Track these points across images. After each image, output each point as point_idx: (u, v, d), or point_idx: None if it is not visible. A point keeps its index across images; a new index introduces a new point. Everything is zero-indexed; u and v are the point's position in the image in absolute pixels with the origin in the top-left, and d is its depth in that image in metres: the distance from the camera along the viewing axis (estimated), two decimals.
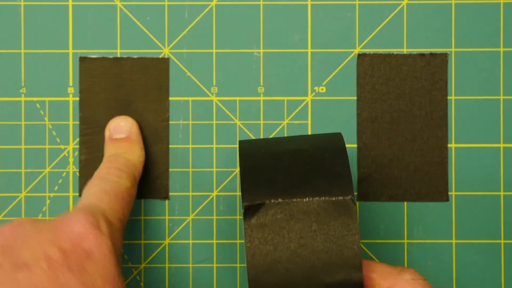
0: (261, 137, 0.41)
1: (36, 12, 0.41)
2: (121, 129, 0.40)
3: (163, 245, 0.41)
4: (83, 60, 0.41)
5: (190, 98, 0.41)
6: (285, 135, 0.41)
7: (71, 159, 0.41)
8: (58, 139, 0.41)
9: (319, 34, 0.41)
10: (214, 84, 0.41)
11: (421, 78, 0.41)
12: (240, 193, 0.37)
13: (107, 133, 0.40)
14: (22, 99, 0.41)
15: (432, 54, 0.41)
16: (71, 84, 0.41)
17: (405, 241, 0.41)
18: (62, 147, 0.41)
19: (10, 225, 0.32)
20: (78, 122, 0.41)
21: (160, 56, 0.41)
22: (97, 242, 0.31)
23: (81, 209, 0.33)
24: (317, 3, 0.41)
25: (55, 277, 0.29)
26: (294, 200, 0.31)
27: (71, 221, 0.32)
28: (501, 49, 0.41)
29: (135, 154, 0.39)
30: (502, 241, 0.41)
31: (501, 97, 0.41)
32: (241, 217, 0.41)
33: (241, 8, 0.41)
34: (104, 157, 0.40)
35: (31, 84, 0.41)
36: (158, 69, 0.41)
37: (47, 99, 0.41)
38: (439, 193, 0.41)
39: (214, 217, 0.41)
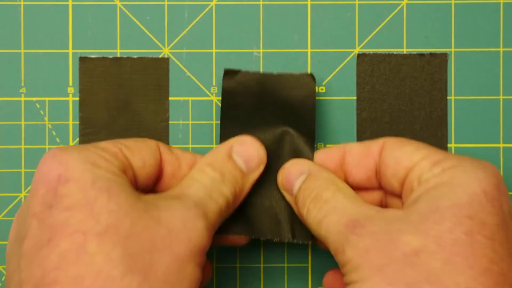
0: None
1: (36, 12, 0.41)
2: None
3: None
4: (83, 60, 0.41)
5: (190, 98, 0.41)
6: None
7: None
8: (58, 139, 0.41)
9: (319, 34, 0.41)
10: (214, 84, 0.41)
11: (420, 78, 0.41)
12: None
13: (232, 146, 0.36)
14: (22, 99, 0.41)
15: (432, 54, 0.41)
16: (71, 84, 0.41)
17: None
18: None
19: None
20: (78, 122, 0.41)
21: (160, 56, 0.41)
22: None
23: None
24: (317, 3, 0.41)
25: None
26: None
27: None
28: (501, 49, 0.41)
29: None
30: None
31: (501, 97, 0.41)
32: None
33: (241, 8, 0.41)
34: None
35: (31, 84, 0.41)
36: (158, 69, 0.41)
37: (47, 99, 0.41)
38: None
39: None
